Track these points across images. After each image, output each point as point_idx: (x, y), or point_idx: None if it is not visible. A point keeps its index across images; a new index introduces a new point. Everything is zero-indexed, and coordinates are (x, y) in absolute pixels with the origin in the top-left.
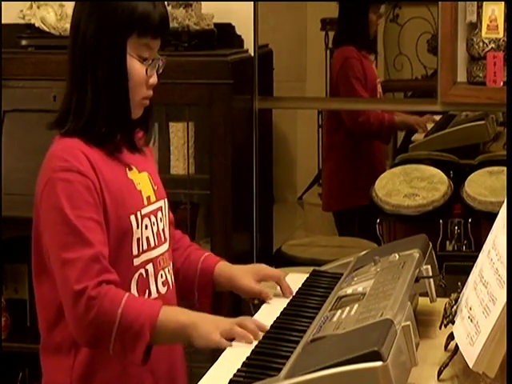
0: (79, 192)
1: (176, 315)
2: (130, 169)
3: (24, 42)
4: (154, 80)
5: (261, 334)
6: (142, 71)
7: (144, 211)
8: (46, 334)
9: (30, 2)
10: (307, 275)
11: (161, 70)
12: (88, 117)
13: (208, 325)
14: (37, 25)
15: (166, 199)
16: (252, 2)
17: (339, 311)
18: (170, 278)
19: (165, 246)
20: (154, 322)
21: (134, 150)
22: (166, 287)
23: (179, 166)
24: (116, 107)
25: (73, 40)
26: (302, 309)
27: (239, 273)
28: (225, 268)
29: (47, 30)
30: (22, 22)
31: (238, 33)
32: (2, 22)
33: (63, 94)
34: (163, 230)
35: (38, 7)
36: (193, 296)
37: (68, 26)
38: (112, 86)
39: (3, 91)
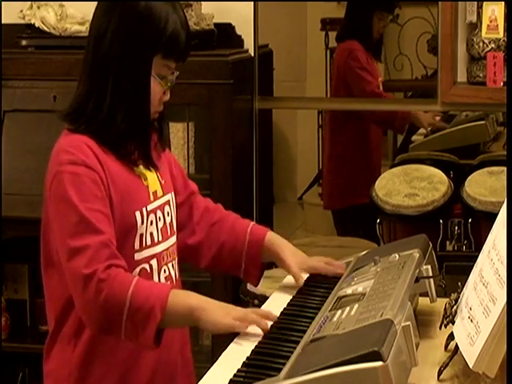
0: (87, 185)
1: (186, 297)
2: (137, 165)
3: (24, 42)
4: (167, 97)
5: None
6: (159, 90)
7: (150, 207)
8: (55, 326)
9: (30, 2)
10: (307, 275)
11: (172, 84)
12: (102, 123)
13: (219, 310)
14: (37, 25)
15: (173, 192)
16: (252, 2)
17: (339, 311)
18: (174, 274)
19: (171, 240)
20: (164, 302)
21: (150, 166)
22: (168, 282)
23: None
24: (134, 122)
25: (95, 45)
26: (302, 309)
27: (289, 248)
28: (275, 238)
29: (47, 30)
30: (22, 22)
31: (238, 33)
32: (2, 21)
33: (77, 90)
34: (171, 223)
35: (38, 7)
36: (239, 268)
37: (68, 26)
38: (133, 102)
39: (3, 91)
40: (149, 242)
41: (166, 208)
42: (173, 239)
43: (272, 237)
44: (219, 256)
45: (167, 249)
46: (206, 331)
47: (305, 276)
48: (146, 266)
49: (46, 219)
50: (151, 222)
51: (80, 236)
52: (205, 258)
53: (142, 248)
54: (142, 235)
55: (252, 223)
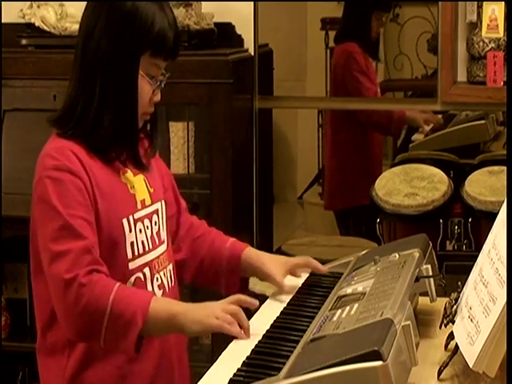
0: (70, 191)
1: (167, 304)
2: (125, 172)
3: (24, 42)
4: (157, 98)
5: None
6: (148, 90)
7: (137, 215)
8: (41, 334)
9: (30, 2)
10: (307, 275)
11: (163, 86)
12: (90, 126)
13: (200, 311)
14: (37, 24)
15: (163, 201)
16: (252, 2)
17: (339, 311)
18: (167, 282)
19: (161, 249)
20: (145, 309)
21: (139, 167)
22: (161, 291)
23: (179, 165)
24: (122, 122)
25: (84, 45)
26: (302, 308)
27: (268, 259)
28: (253, 253)
29: (47, 29)
30: (22, 21)
31: (238, 32)
32: (2, 21)
33: (67, 93)
34: (158, 233)
35: (38, 6)
36: (219, 283)
37: (68, 25)
38: (120, 102)
39: (3, 91)
40: (141, 251)
41: (154, 217)
42: (162, 248)
43: (250, 252)
44: (200, 271)
45: (158, 257)
46: (193, 333)
47: (304, 276)
48: (140, 275)
49: (33, 224)
50: (140, 231)
51: (62, 241)
52: (187, 273)
53: (134, 257)
54: (132, 243)
55: (232, 239)
